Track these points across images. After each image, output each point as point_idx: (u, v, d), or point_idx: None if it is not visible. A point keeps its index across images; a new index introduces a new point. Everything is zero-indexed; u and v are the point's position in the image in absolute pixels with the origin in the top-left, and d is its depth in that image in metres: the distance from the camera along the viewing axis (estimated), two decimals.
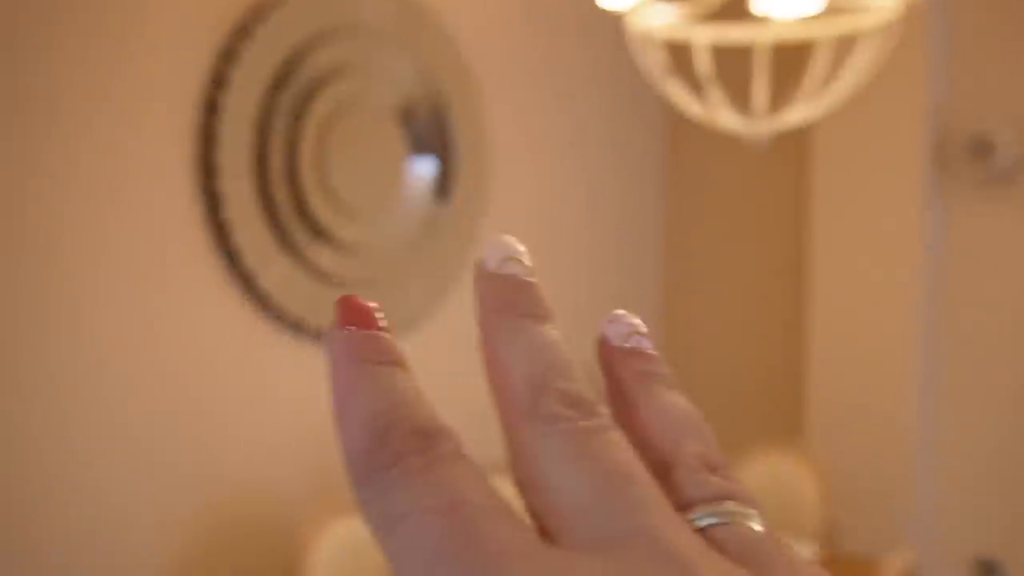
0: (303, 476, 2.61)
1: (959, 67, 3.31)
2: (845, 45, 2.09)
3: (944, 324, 3.41)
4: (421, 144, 2.88)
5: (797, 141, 3.53)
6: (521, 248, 0.31)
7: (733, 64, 2.04)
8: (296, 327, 2.56)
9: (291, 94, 2.48)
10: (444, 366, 3.03)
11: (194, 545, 2.36)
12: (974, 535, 3.39)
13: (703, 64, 2.04)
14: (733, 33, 2.06)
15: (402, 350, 0.28)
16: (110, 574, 2.20)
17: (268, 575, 2.39)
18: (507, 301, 0.30)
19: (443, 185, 2.97)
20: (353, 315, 0.28)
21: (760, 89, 2.02)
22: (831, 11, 2.04)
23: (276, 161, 2.46)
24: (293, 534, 2.22)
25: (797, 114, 2.09)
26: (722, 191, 3.98)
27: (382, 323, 0.28)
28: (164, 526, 2.30)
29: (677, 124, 3.86)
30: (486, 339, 0.30)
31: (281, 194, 2.47)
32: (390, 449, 0.25)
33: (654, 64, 2.12)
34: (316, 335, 2.61)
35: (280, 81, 2.45)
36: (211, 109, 2.34)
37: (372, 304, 0.29)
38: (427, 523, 0.23)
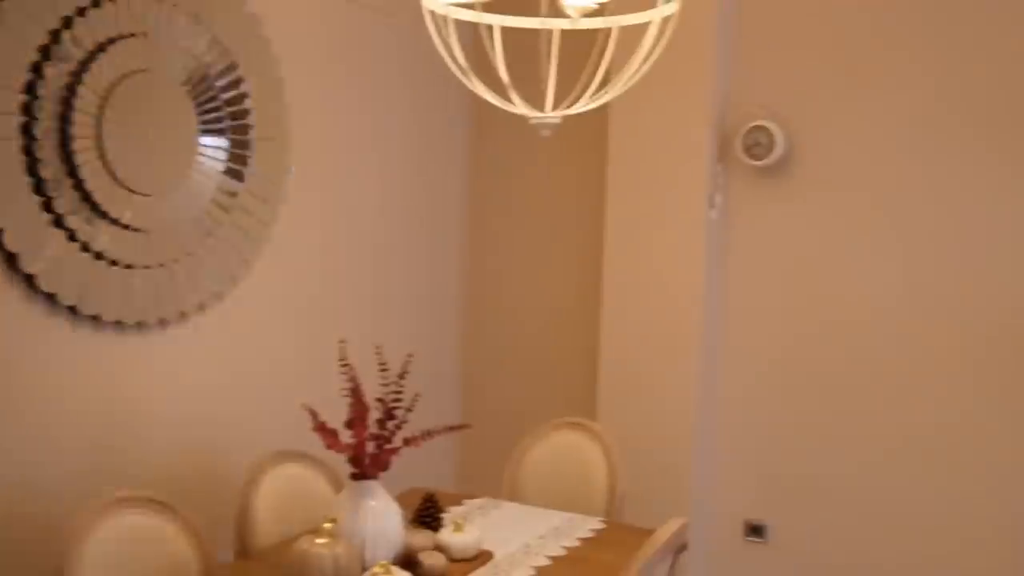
0: (85, 466, 2.48)
1: (740, 72, 3.54)
2: (632, 37, 2.18)
3: (725, 307, 3.63)
4: (214, 120, 2.78)
5: (595, 133, 3.66)
6: None
7: (525, 52, 2.08)
8: (71, 312, 2.42)
9: (62, 62, 2.33)
10: (233, 351, 2.97)
11: None
12: (744, 502, 3.65)
13: (496, 51, 2.07)
14: (524, 21, 2.11)
15: None
16: None
17: (35, 572, 2.25)
18: None
19: (236, 164, 2.88)
20: None
21: (548, 77, 2.07)
22: (618, 4, 2.12)
23: (45, 134, 2.31)
24: (61, 531, 2.11)
25: (583, 103, 2.16)
26: (525, 178, 4.08)
27: None
28: None
29: (481, 111, 3.93)
30: None
31: (52, 169, 2.32)
32: None
33: (452, 51, 2.13)
34: (94, 321, 2.48)
35: (49, 48, 2.30)
36: None
37: None
38: None
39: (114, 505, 2.18)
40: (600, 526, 2.77)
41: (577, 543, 2.62)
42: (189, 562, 2.31)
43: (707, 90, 3.45)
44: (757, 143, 3.41)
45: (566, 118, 2.17)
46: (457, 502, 2.89)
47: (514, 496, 3.10)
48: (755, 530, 3.65)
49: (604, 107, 3.45)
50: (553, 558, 2.50)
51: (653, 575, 2.24)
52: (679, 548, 2.47)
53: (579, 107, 2.17)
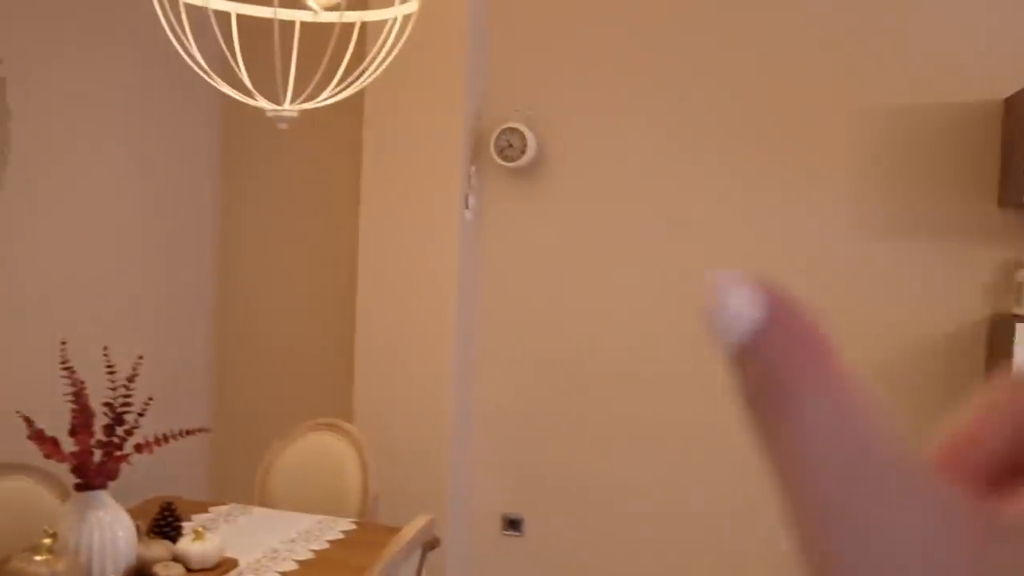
0: None
1: (496, 73, 3.62)
2: (377, 33, 2.19)
3: (478, 307, 3.70)
4: None
5: (351, 131, 3.64)
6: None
7: (264, 46, 2.04)
8: None
9: None
10: None
11: None
12: (502, 497, 3.74)
13: (232, 42, 2.02)
14: (259, 10, 2.07)
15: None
16: None
17: None
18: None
19: None
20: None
21: (287, 69, 2.04)
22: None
23: None
24: None
25: (322, 98, 2.15)
26: (279, 176, 3.99)
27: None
28: None
29: (233, 107, 3.81)
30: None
31: None
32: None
33: (185, 41, 2.06)
34: None
35: None
36: None
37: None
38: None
39: None
40: (351, 527, 2.75)
41: (326, 545, 2.59)
42: None
43: (461, 90, 3.50)
44: (509, 145, 3.50)
45: (323, 115, 2.15)
46: (203, 510, 2.79)
47: (265, 501, 3.03)
48: (512, 524, 3.75)
49: (359, 105, 3.45)
50: (300, 562, 2.46)
51: (400, 573, 2.25)
52: (429, 544, 2.50)
53: (319, 101, 2.15)
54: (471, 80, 3.53)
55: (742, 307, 0.21)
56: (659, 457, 3.54)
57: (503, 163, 3.53)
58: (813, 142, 3.32)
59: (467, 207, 3.56)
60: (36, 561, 1.94)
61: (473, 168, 3.59)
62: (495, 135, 3.51)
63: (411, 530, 2.28)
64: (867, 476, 0.20)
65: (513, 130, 3.50)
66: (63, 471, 2.56)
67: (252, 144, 3.98)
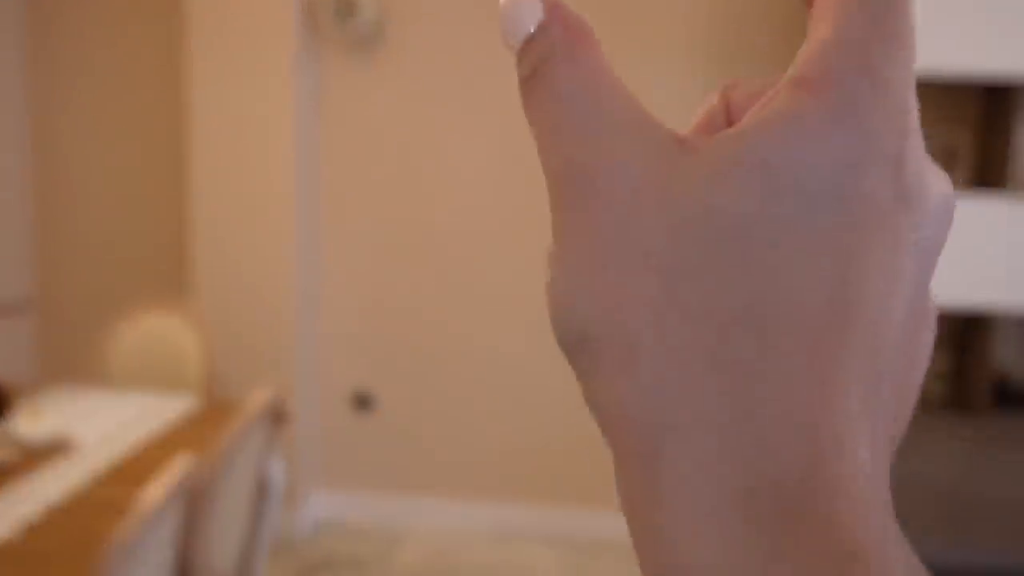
0: None
1: None
2: None
3: (319, 179, 3.69)
4: None
5: (171, 3, 3.49)
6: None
7: None
8: None
9: None
10: None
11: None
12: (352, 375, 3.82)
13: None
14: None
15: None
16: None
17: None
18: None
19: None
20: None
21: None
22: None
23: None
24: None
25: None
26: (95, 53, 3.81)
27: None
28: None
29: None
30: None
31: None
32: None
33: None
34: None
35: None
36: None
37: None
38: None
39: None
40: (195, 404, 2.78)
41: (166, 423, 2.61)
42: None
43: None
44: (348, 11, 3.43)
45: None
46: (35, 393, 2.75)
47: (103, 383, 3.01)
48: (363, 401, 3.83)
49: None
50: (143, 439, 2.47)
51: (249, 445, 2.30)
52: (277, 418, 2.55)
53: None
54: None
55: (526, 12, 0.26)
56: (508, 329, 3.68)
57: (340, 32, 3.46)
58: (650, 15, 3.42)
59: (303, 78, 3.51)
60: None
61: (307, 39, 3.52)
62: (329, 2, 3.44)
63: (255, 403, 2.32)
64: (601, 130, 0.24)
65: None
66: None
67: (65, 21, 3.77)
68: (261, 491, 2.53)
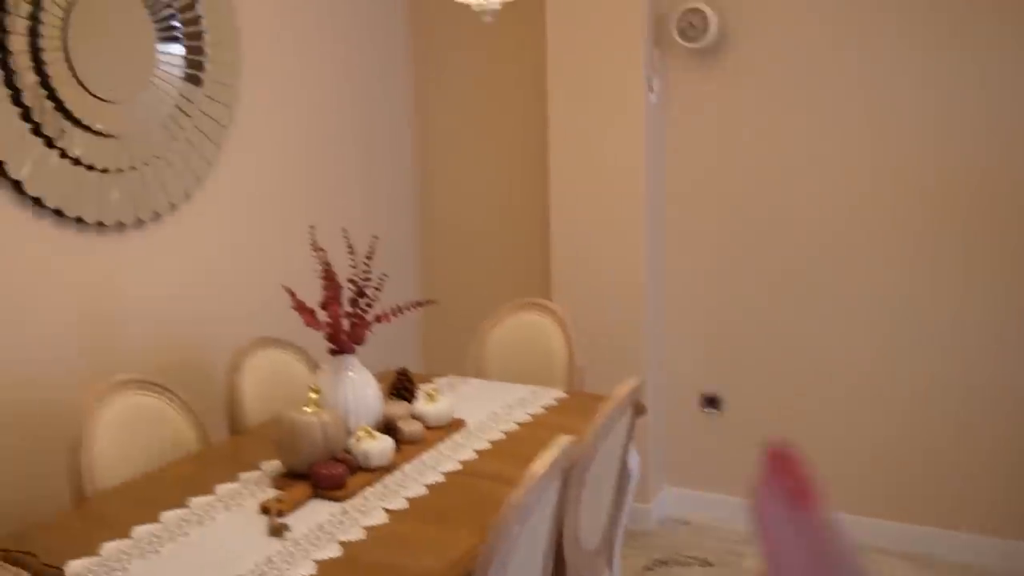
0: (78, 355, 2.79)
1: None
2: None
3: (666, 185, 3.97)
4: (169, 28, 3.03)
5: (534, 23, 3.93)
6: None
7: None
8: (56, 215, 2.70)
9: None
10: (207, 247, 3.27)
11: None
12: (699, 375, 4.05)
13: None
14: None
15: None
16: None
17: (56, 444, 2.59)
18: None
19: (193, 70, 3.13)
20: (800, 491, 0.34)
21: None
22: None
23: (18, 45, 2.55)
24: (75, 407, 2.44)
25: None
26: (468, 72, 4.34)
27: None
28: None
29: (421, 12, 4.21)
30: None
31: (27, 79, 2.57)
32: None
33: None
34: (79, 223, 2.77)
35: None
36: None
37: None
38: None
39: (117, 386, 2.51)
40: (562, 395, 3.15)
41: (541, 410, 2.99)
42: (189, 439, 2.67)
43: None
44: (691, 25, 3.69)
45: (508, 9, 2.45)
46: (426, 380, 3.25)
47: (479, 374, 3.47)
48: (710, 401, 4.05)
49: None
50: (520, 423, 2.87)
51: (615, 431, 2.61)
52: (638, 409, 2.84)
53: None
54: None
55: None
56: (861, 331, 3.73)
57: (685, 44, 3.73)
58: None
59: (651, 90, 3.80)
60: (306, 412, 2.41)
61: (656, 52, 3.82)
62: (677, 16, 3.71)
63: (622, 390, 2.62)
64: None
65: (695, 10, 3.69)
66: (309, 343, 3.08)
67: (441, 40, 4.35)
68: (622, 477, 2.84)
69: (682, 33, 3.71)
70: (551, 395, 3.14)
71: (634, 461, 3.04)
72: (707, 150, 3.89)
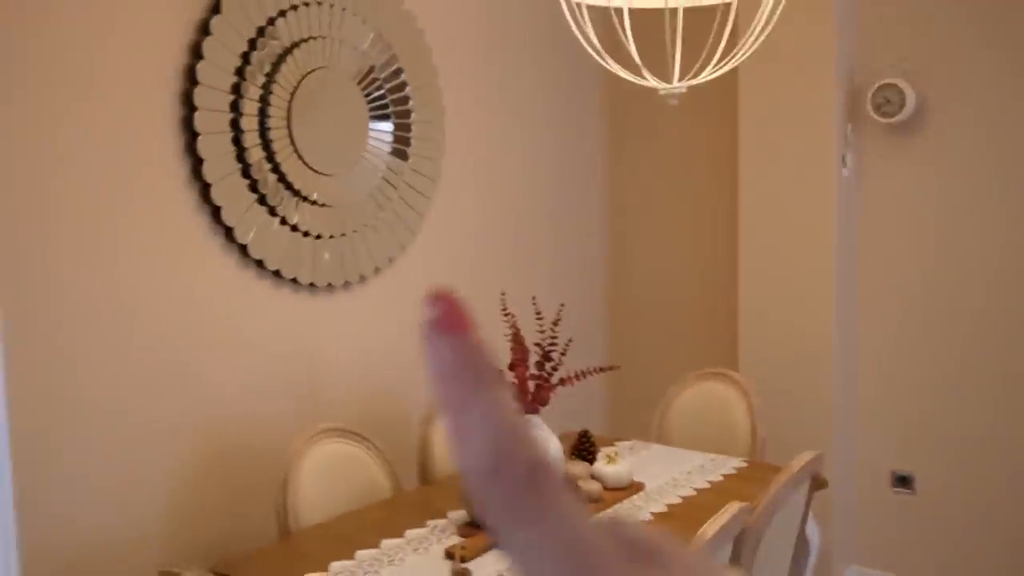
0: (287, 403, 3.06)
1: (868, 29, 3.81)
2: (752, 7, 2.57)
3: (858, 258, 3.93)
4: (380, 108, 3.32)
5: (726, 98, 4.03)
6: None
7: (653, 28, 2.50)
8: (275, 276, 3.00)
9: (260, 63, 2.89)
10: (406, 307, 3.51)
11: (200, 470, 2.81)
12: (889, 452, 3.94)
13: (627, 32, 2.50)
14: (650, 1, 2.52)
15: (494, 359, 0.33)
16: (129, 489, 2.64)
17: (263, 487, 2.84)
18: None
19: (400, 145, 3.41)
20: (453, 319, 0.33)
21: (674, 51, 2.48)
22: None
23: (249, 126, 2.88)
24: (282, 453, 2.68)
25: (707, 73, 2.56)
26: (659, 144, 4.47)
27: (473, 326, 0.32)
28: (172, 448, 2.74)
29: (615, 85, 4.38)
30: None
31: (255, 155, 2.89)
32: (508, 481, 0.32)
33: (587, 35, 2.57)
34: (294, 284, 3.06)
35: (249, 53, 2.87)
36: (190, 78, 2.75)
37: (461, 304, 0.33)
38: (549, 558, 0.32)
39: (321, 434, 2.75)
40: (742, 464, 3.17)
41: (720, 478, 3.02)
42: (383, 485, 2.87)
43: (833, 49, 3.73)
44: (887, 101, 3.69)
45: (701, 86, 2.57)
46: (609, 444, 3.34)
47: (661, 439, 3.53)
48: (902, 480, 3.93)
49: (733, 72, 3.82)
50: (698, 490, 2.91)
51: (790, 502, 2.62)
52: (818, 483, 2.84)
53: (703, 77, 2.57)
54: (842, 38, 3.76)
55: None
56: None
57: (881, 119, 3.73)
58: None
59: (845, 165, 3.81)
60: None
61: (850, 127, 3.83)
62: (871, 91, 3.72)
63: (800, 461, 2.63)
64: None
65: (890, 85, 3.69)
66: None
67: (633, 118, 4.51)
68: (799, 549, 2.83)
69: (877, 108, 3.71)
70: (731, 464, 3.17)
71: (814, 534, 3.02)
72: (901, 225, 3.84)
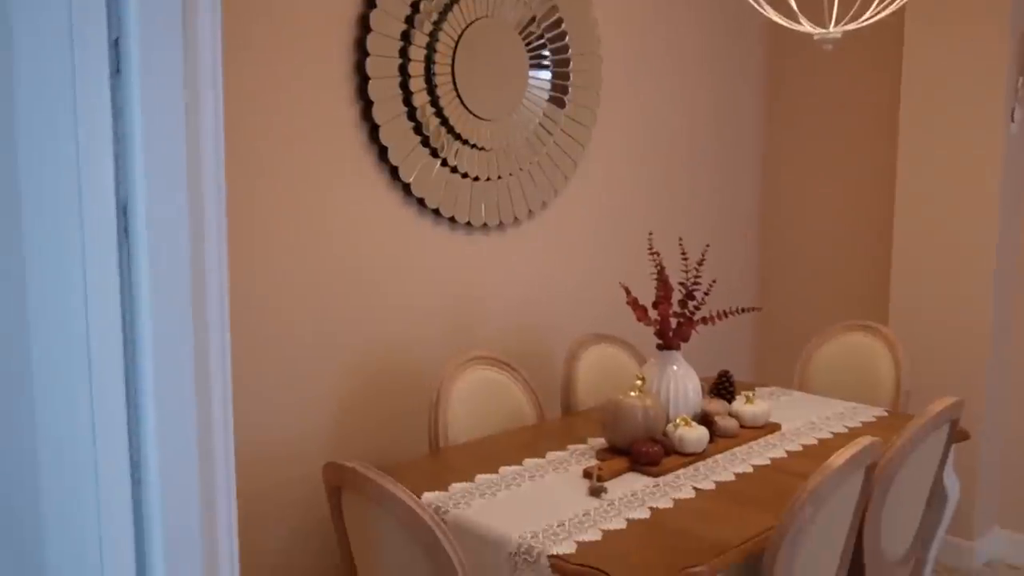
0: (442, 332, 3.27)
1: None
2: None
3: (1020, 219, 3.82)
4: (539, 57, 3.45)
5: (890, 48, 3.97)
6: None
7: None
8: (435, 214, 3.19)
9: (428, 12, 3.07)
10: (557, 249, 3.66)
11: (361, 385, 3.06)
12: None
13: None
14: None
15: None
16: (300, 406, 2.90)
17: (417, 407, 3.06)
18: None
19: (558, 93, 3.53)
20: None
21: None
22: None
23: (416, 71, 3.06)
24: (435, 378, 2.88)
25: (862, 19, 2.57)
26: (819, 93, 4.44)
27: None
28: (338, 367, 2.99)
29: (776, 32, 4.36)
30: None
31: (420, 99, 3.08)
32: None
33: None
34: (451, 223, 3.25)
35: (418, 2, 3.04)
36: (364, 26, 2.95)
37: None
38: None
39: (472, 360, 2.93)
40: (883, 414, 3.18)
41: (859, 424, 3.05)
42: (528, 413, 3.04)
43: (1006, 6, 3.63)
44: None
45: (862, 35, 2.58)
46: (750, 388, 3.40)
47: (803, 388, 3.57)
48: None
49: (899, 22, 3.76)
50: (835, 433, 2.96)
51: (927, 444, 2.63)
52: (958, 433, 2.83)
53: (859, 22, 2.59)
54: None
55: None
56: None
57: None
58: None
59: (1012, 120, 3.71)
60: (631, 396, 2.68)
61: (1021, 80, 3.71)
62: None
63: (939, 404, 2.63)
64: None
65: None
66: (638, 341, 3.36)
67: (792, 66, 4.48)
68: (935, 496, 2.84)
69: None
70: (872, 412, 3.19)
71: (953, 485, 3.02)
72: None
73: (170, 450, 1.01)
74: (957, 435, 2.84)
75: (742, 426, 2.93)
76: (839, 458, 2.15)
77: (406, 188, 3.10)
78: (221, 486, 1.09)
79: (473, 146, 3.26)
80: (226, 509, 1.10)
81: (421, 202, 3.15)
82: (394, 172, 3.06)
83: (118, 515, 0.99)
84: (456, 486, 2.44)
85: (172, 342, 1.01)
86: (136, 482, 1.01)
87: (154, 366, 1.00)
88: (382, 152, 3.03)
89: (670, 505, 2.34)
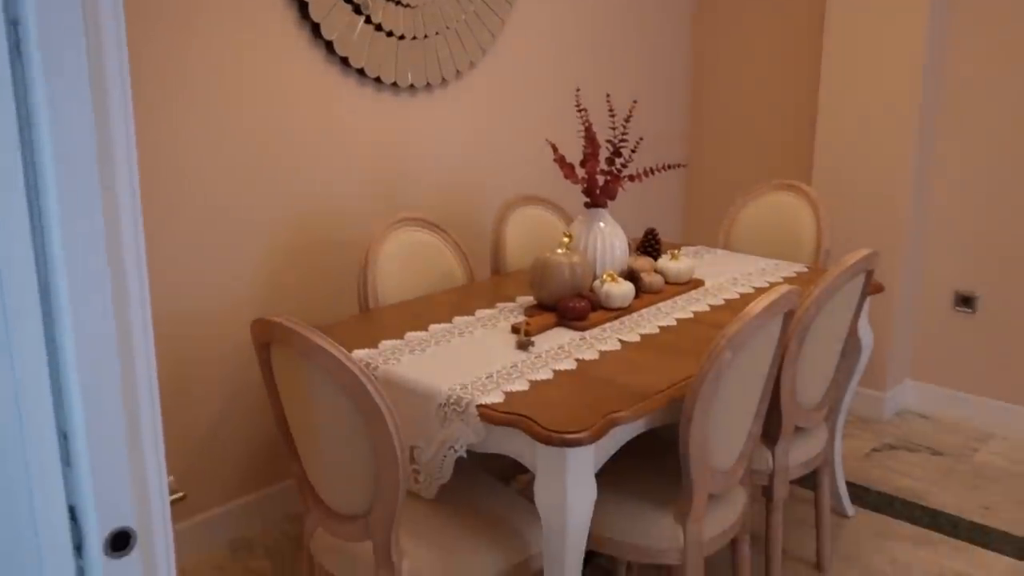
0: (370, 195, 3.24)
1: None
2: None
3: (943, 85, 3.86)
4: None
5: None
6: None
7: None
8: (359, 74, 3.11)
9: None
10: (485, 110, 3.61)
11: (289, 250, 3.03)
12: (954, 274, 3.98)
13: None
14: None
15: None
16: (227, 273, 2.87)
17: (346, 266, 3.05)
18: None
19: None
20: None
21: None
22: None
23: None
24: (364, 237, 2.86)
25: None
26: None
27: None
28: (264, 234, 2.96)
29: None
30: None
31: None
32: None
33: None
34: (377, 83, 3.17)
35: None
36: None
37: None
38: None
39: (401, 222, 2.91)
40: (803, 269, 3.25)
41: (779, 280, 3.12)
42: (457, 274, 3.04)
43: None
44: None
45: None
46: (676, 247, 3.44)
47: (728, 246, 3.63)
48: (964, 300, 3.98)
49: None
50: (756, 288, 3.02)
51: (842, 294, 2.69)
52: (873, 285, 2.90)
53: None
54: None
55: None
56: None
57: None
58: None
59: None
60: (558, 254, 2.69)
61: None
62: None
63: (854, 256, 2.69)
64: None
65: None
66: (566, 203, 3.36)
67: None
68: (850, 345, 2.93)
69: None
70: (793, 268, 3.26)
71: (867, 335, 3.11)
72: (992, 44, 3.75)
73: (84, 315, 0.99)
74: (872, 287, 2.92)
75: (667, 282, 2.98)
76: (757, 305, 2.20)
77: (329, 47, 3.01)
78: (139, 348, 1.08)
79: (398, 3, 3.16)
80: (145, 369, 1.08)
81: (345, 61, 3.06)
82: (316, 30, 2.96)
83: (33, 370, 0.97)
84: (386, 343, 2.45)
85: (79, 212, 0.96)
86: (50, 341, 0.99)
87: (62, 236, 0.96)
88: (303, 9, 2.93)
89: (596, 357, 2.39)
